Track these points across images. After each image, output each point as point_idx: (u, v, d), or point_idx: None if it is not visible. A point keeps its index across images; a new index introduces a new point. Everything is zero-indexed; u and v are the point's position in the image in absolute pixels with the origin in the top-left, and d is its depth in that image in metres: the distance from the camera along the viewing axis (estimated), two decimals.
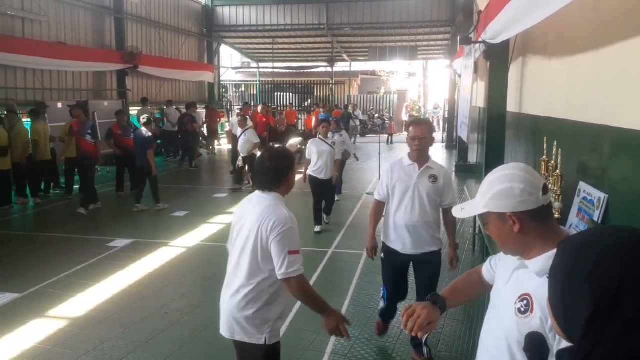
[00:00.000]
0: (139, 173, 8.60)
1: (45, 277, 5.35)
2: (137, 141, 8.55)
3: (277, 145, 2.68)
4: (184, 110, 15.17)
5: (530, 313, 1.69)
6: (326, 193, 7.31)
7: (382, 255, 3.69)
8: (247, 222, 2.43)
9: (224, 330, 2.59)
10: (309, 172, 7.15)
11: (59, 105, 10.47)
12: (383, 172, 3.66)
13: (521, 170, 1.35)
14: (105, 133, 9.88)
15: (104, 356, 3.81)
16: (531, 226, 1.33)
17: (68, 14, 12.71)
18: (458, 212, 1.52)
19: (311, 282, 5.19)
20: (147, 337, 4.10)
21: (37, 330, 4.21)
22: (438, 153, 17.37)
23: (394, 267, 3.65)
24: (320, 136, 7.26)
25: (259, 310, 2.40)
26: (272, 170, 2.44)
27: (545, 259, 1.30)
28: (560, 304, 0.82)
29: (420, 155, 3.45)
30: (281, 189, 2.48)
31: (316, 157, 7.01)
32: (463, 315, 4.42)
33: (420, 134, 3.39)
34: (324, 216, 7.40)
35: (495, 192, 1.36)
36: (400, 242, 3.53)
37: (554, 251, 0.92)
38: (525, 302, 1.46)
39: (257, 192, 2.52)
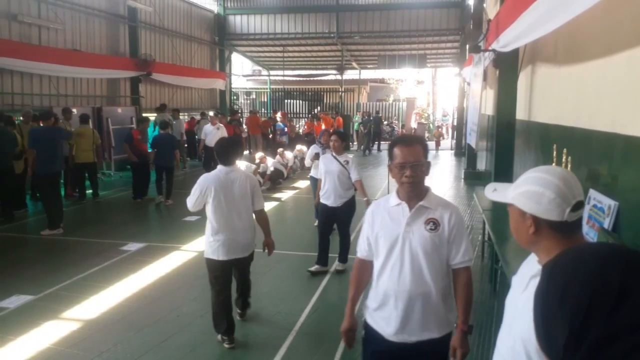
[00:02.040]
0: (161, 171, 9.48)
1: (60, 280, 5.45)
2: (162, 142, 9.37)
3: (226, 137, 4.14)
4: (198, 117, 16.33)
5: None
6: (338, 225, 5.82)
7: (363, 334, 2.47)
8: (239, 185, 3.95)
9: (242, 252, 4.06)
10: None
11: (74, 111, 10.65)
12: (365, 216, 2.49)
13: (560, 180, 1.32)
14: (124, 137, 10.16)
15: (116, 358, 3.87)
16: (548, 234, 1.33)
17: (83, 22, 12.95)
18: (489, 191, 1.52)
19: (320, 287, 5.24)
20: (159, 339, 4.15)
21: (51, 331, 4.29)
22: (447, 161, 17.37)
23: (377, 358, 2.40)
24: (332, 152, 5.79)
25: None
26: (233, 151, 4.06)
27: None
28: (542, 330, 0.82)
29: (417, 190, 2.27)
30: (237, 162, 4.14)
31: (324, 178, 5.72)
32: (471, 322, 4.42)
33: (413, 159, 2.22)
34: (337, 263, 5.86)
35: (526, 190, 1.36)
36: (385, 321, 2.32)
37: None
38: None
39: (226, 168, 3.96)
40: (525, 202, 1.35)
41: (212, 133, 12.09)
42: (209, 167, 11.18)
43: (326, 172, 5.62)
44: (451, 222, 2.26)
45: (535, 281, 1.41)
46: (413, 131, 23.13)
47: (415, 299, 2.24)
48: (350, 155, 5.93)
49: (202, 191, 3.86)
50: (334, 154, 5.70)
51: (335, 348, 3.98)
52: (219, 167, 3.99)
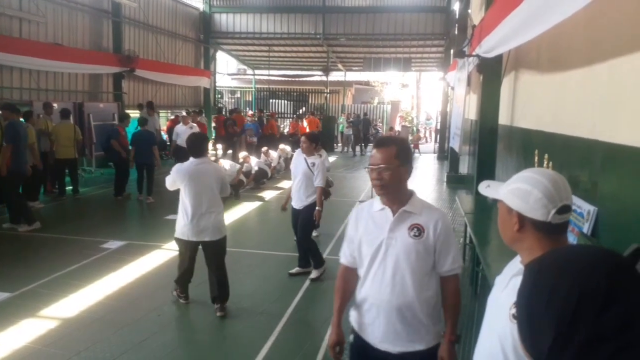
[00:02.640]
0: (141, 168, 9.43)
1: (38, 277, 5.34)
2: (142, 139, 9.36)
3: (196, 131, 4.94)
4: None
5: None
6: (297, 229, 5.62)
7: (351, 339, 2.34)
8: (208, 175, 4.46)
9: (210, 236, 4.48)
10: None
11: (55, 106, 10.46)
12: (349, 220, 2.38)
13: (549, 182, 1.34)
14: (109, 133, 10.07)
15: (95, 357, 3.82)
16: (531, 233, 1.36)
17: (66, 16, 12.73)
18: (483, 187, 1.55)
19: (302, 288, 5.24)
20: (139, 338, 4.11)
21: (28, 329, 4.20)
22: (430, 164, 17.53)
23: None
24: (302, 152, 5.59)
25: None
26: (203, 144, 4.59)
27: None
28: (526, 331, 0.82)
29: (389, 195, 2.17)
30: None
31: (292, 177, 5.65)
32: None
33: (380, 161, 2.13)
34: (296, 268, 5.73)
35: (515, 188, 1.38)
36: (370, 328, 2.22)
37: None
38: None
39: (197, 160, 4.44)
40: (513, 199, 1.38)
41: (185, 133, 10.91)
42: None
43: (294, 172, 5.57)
44: (437, 228, 2.12)
45: (516, 280, 1.43)
46: (397, 133, 23.30)
47: (398, 310, 2.13)
48: (320, 159, 5.65)
49: (174, 180, 4.44)
50: (304, 155, 5.54)
51: (317, 348, 3.99)
52: (191, 159, 4.46)
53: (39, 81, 11.89)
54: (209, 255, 4.59)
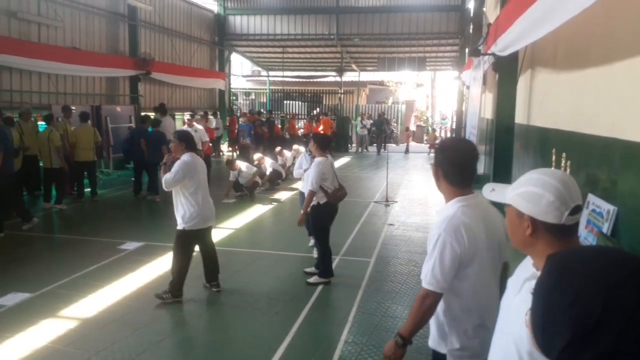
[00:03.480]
0: (145, 167, 9.80)
1: (57, 278, 5.43)
2: (153, 139, 9.60)
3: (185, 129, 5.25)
4: (210, 117, 16.07)
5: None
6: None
7: None
8: (202, 165, 4.83)
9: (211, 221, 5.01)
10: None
11: (74, 109, 10.63)
12: (444, 234, 2.07)
13: (560, 183, 1.32)
14: (137, 133, 10.25)
15: (113, 357, 3.86)
16: (544, 236, 1.34)
17: (83, 20, 12.94)
18: (487, 191, 1.53)
19: (318, 290, 5.24)
20: (156, 338, 4.15)
21: (48, 329, 4.27)
22: None
23: None
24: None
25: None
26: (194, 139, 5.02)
27: None
28: (540, 324, 0.82)
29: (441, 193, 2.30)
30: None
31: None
32: None
33: None
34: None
35: (525, 191, 1.35)
36: None
37: None
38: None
39: (191, 153, 4.73)
40: (524, 203, 1.35)
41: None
42: None
43: (305, 175, 5.61)
44: (431, 232, 2.14)
45: (529, 284, 1.40)
46: (413, 134, 23.30)
47: None
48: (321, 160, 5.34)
49: (184, 174, 4.60)
50: (310, 156, 5.67)
51: (333, 349, 3.99)
52: (188, 153, 4.73)
53: (57, 85, 12.09)
54: (207, 241, 5.07)
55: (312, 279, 5.42)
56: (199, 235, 4.89)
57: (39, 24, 11.42)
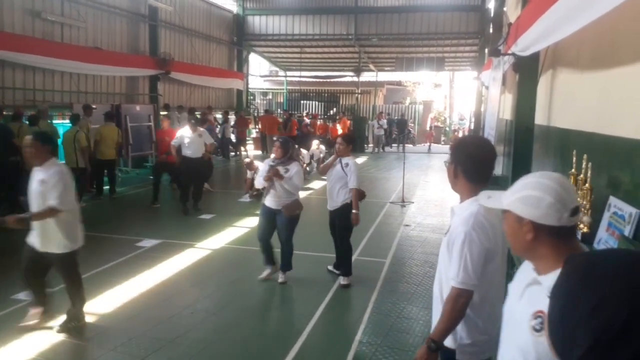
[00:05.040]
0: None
1: None
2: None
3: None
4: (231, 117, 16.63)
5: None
6: (335, 232, 5.58)
7: None
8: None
9: None
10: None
11: (95, 107, 10.82)
12: (472, 231, 2.08)
13: (558, 185, 1.31)
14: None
15: (131, 352, 3.91)
16: (546, 240, 1.32)
17: (105, 21, 13.13)
18: (484, 199, 1.50)
19: (333, 289, 5.23)
20: (173, 335, 4.19)
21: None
22: None
23: None
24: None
25: None
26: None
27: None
28: (558, 329, 0.79)
29: (454, 191, 2.32)
30: None
31: (327, 179, 5.55)
32: None
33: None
34: (340, 278, 5.48)
35: (524, 196, 1.34)
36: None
37: None
38: (539, 319, 1.43)
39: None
40: (523, 207, 1.34)
41: (194, 142, 8.73)
42: (187, 188, 8.85)
43: (328, 174, 5.43)
44: (454, 230, 2.12)
45: (531, 290, 1.40)
46: (433, 134, 23.29)
47: (434, 299, 2.31)
48: (353, 159, 5.42)
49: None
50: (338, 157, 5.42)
51: (347, 349, 3.98)
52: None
53: (79, 84, 12.30)
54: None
55: (345, 281, 5.34)
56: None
57: (62, 24, 11.63)
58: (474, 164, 2.15)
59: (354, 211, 5.20)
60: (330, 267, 5.75)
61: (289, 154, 5.33)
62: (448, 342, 2.20)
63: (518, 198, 1.36)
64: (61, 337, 4.11)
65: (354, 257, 5.81)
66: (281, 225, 5.28)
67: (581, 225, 3.76)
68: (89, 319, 4.44)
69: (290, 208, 5.19)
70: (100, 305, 4.77)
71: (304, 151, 12.70)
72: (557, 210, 1.29)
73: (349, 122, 20.44)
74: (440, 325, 2.11)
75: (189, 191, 8.76)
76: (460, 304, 2.07)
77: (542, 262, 1.33)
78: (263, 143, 17.94)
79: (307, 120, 19.35)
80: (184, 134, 8.72)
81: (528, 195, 1.33)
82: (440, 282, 2.26)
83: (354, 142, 5.69)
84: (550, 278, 1.27)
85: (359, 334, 4.25)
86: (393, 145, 22.67)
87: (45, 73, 11.21)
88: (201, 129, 9.16)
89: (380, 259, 6.27)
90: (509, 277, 4.92)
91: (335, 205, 5.32)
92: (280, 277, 5.40)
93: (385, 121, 21.80)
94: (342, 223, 5.34)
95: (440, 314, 2.14)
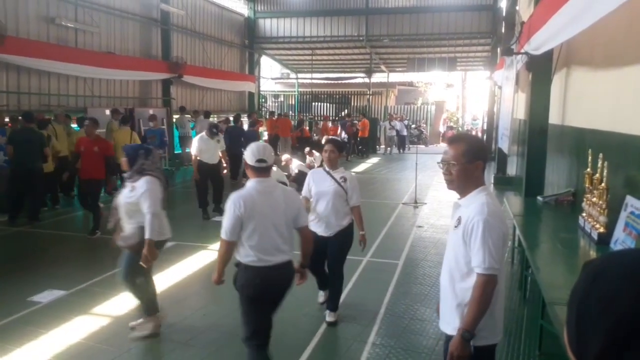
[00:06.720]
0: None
1: (91, 276, 5.58)
2: (250, 137, 10.08)
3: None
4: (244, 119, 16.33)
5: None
6: (328, 262, 4.52)
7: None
8: None
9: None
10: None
11: (107, 112, 10.96)
12: (489, 218, 2.18)
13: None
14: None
15: (145, 354, 3.94)
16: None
17: (118, 26, 13.29)
18: None
19: (346, 291, 5.21)
20: (185, 337, 4.21)
21: (82, 326, 4.39)
22: None
23: None
24: (324, 166, 4.50)
25: None
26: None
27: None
28: (574, 330, 0.78)
29: (456, 189, 2.39)
30: None
31: (315, 200, 4.39)
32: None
33: (449, 157, 2.34)
34: (327, 312, 4.54)
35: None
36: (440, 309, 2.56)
37: None
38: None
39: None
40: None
41: (212, 147, 8.61)
42: (204, 199, 8.65)
43: (318, 192, 4.35)
44: (470, 221, 2.19)
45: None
46: (441, 135, 23.05)
47: (442, 290, 2.41)
48: (348, 172, 4.55)
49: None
50: (327, 169, 4.42)
51: (360, 350, 3.96)
52: None
53: (93, 89, 12.46)
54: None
55: (332, 317, 4.48)
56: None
57: (76, 30, 11.80)
58: (487, 159, 2.39)
59: (361, 232, 4.47)
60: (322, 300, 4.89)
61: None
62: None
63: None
64: (76, 339, 4.15)
65: (366, 259, 5.79)
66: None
67: (597, 225, 3.70)
68: (101, 321, 4.48)
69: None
70: (115, 307, 4.81)
71: (316, 153, 12.64)
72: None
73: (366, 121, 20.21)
74: (471, 314, 2.17)
75: (206, 196, 8.76)
76: (488, 291, 2.15)
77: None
78: (274, 145, 18.00)
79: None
80: (203, 143, 8.48)
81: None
82: (450, 272, 2.33)
83: (345, 149, 5.23)
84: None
85: (372, 336, 4.23)
86: (411, 146, 22.34)
87: (60, 78, 11.37)
88: (219, 135, 9.06)
89: (393, 260, 6.23)
90: (525, 279, 4.85)
91: (334, 230, 4.35)
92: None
93: (397, 122, 21.65)
94: (344, 246, 4.47)
95: (469, 303, 2.20)
